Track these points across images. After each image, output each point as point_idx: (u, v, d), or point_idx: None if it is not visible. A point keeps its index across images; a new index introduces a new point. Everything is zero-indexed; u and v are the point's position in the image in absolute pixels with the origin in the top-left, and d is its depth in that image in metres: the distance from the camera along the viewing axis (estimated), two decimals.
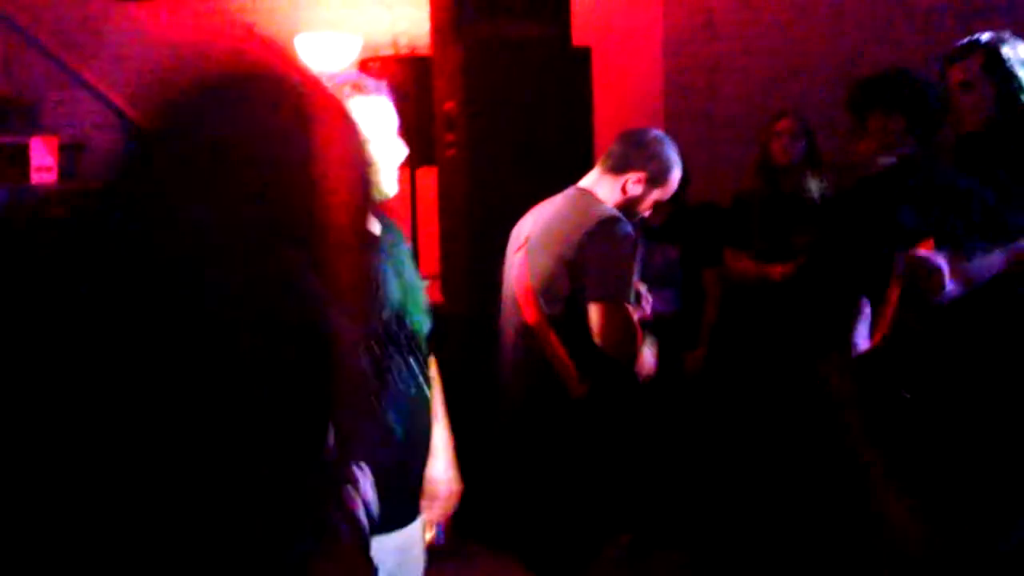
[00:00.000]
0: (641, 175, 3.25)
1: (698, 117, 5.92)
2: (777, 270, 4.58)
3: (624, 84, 5.93)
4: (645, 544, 4.80)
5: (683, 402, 4.64)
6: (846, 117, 4.38)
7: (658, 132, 3.45)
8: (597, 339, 3.05)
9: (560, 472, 3.17)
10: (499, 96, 4.81)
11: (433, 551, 4.71)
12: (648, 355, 3.20)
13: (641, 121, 4.76)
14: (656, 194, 3.30)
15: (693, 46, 5.98)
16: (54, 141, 5.59)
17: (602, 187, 3.27)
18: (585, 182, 3.32)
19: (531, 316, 3.17)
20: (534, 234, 3.25)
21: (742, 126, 5.57)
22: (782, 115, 4.75)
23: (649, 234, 4.77)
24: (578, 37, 5.07)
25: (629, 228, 3.16)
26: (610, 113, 5.17)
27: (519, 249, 3.28)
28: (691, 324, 4.69)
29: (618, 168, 3.27)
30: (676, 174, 3.33)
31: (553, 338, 3.11)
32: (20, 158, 5.50)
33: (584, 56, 5.00)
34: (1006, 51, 3.28)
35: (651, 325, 3.38)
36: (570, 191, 3.30)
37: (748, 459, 4.72)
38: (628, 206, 3.26)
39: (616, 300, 3.04)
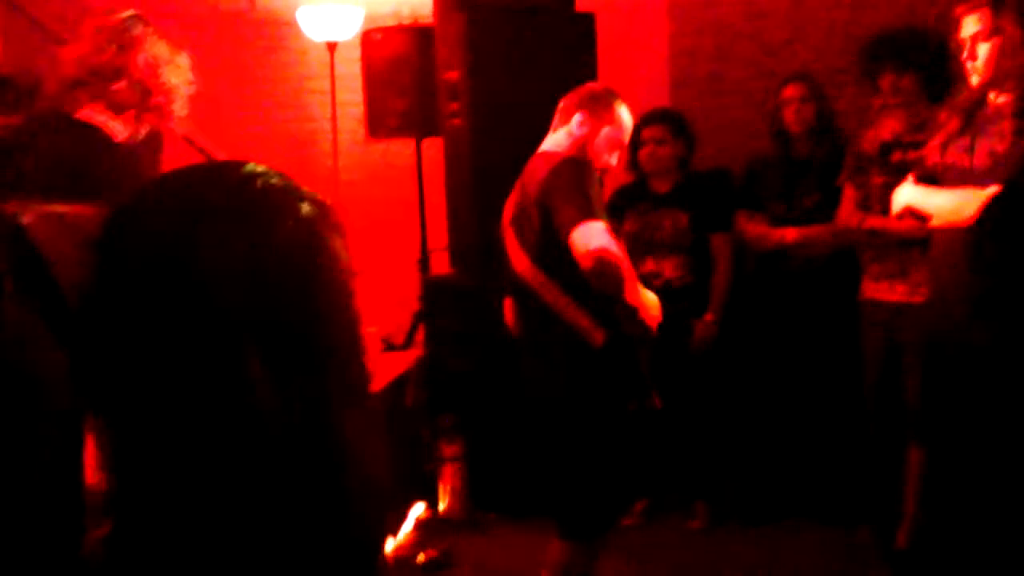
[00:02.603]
0: (584, 113, 3.27)
1: (705, 82, 5.86)
2: (791, 233, 4.55)
3: (629, 50, 5.87)
4: (659, 510, 4.79)
5: (694, 367, 4.62)
6: (856, 78, 4.34)
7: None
8: (584, 265, 2.96)
9: (592, 427, 3.16)
10: (503, 64, 4.76)
11: (449, 522, 4.72)
12: (651, 299, 3.16)
13: (647, 87, 4.73)
14: (606, 132, 3.28)
15: (699, 10, 5.91)
16: None
17: (552, 142, 3.32)
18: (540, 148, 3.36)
19: (538, 284, 3.16)
20: (512, 212, 3.30)
21: (750, 90, 5.51)
22: (789, 81, 4.71)
23: (657, 200, 4.74)
24: (581, 3, 5.01)
25: (586, 161, 3.19)
26: (615, 80, 5.06)
27: (506, 232, 3.32)
28: (700, 290, 4.67)
29: (563, 119, 3.33)
30: (621, 109, 3.33)
31: (563, 298, 3.11)
32: None
33: (588, 22, 4.95)
34: None
35: (660, 292, 3.36)
36: (528, 162, 3.34)
37: (761, 423, 4.71)
38: (582, 149, 3.25)
39: (590, 219, 2.99)
